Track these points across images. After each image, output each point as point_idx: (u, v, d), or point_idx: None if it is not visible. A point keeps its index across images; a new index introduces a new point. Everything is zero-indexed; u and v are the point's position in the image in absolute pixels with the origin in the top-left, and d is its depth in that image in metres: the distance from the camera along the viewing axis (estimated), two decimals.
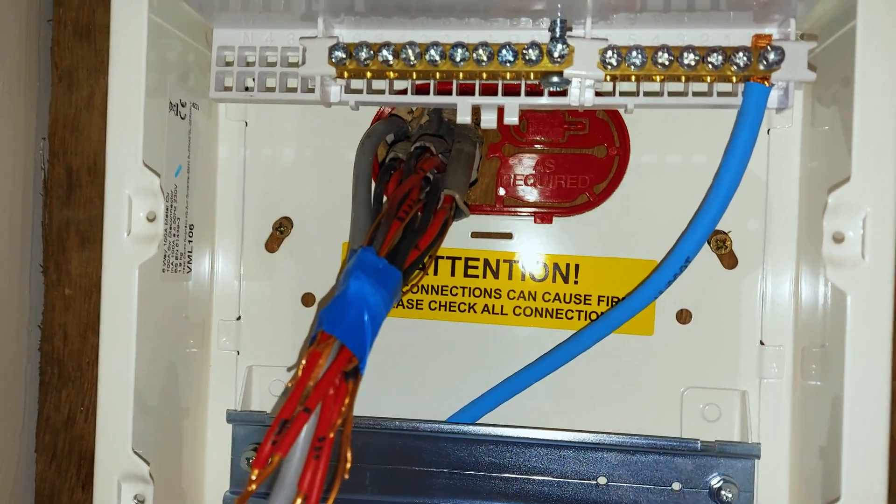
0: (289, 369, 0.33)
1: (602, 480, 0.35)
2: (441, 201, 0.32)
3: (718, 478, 0.34)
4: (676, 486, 0.34)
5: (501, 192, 0.37)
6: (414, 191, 0.32)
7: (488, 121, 0.33)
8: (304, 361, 0.25)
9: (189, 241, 0.36)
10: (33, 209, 0.41)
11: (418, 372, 0.38)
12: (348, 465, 0.24)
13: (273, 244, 0.39)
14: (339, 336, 0.26)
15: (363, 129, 0.36)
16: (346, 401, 0.25)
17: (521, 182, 0.37)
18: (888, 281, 0.27)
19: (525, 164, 0.37)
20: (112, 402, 0.30)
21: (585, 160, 0.37)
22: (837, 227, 0.27)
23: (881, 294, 0.27)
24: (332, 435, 0.25)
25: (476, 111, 0.33)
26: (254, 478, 0.24)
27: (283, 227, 0.39)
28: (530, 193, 0.37)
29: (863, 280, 0.27)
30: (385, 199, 0.33)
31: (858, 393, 0.28)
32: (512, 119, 0.32)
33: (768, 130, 0.35)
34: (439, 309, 0.38)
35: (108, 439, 0.30)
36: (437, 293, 0.38)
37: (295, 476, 0.24)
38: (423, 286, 0.38)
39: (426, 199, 0.32)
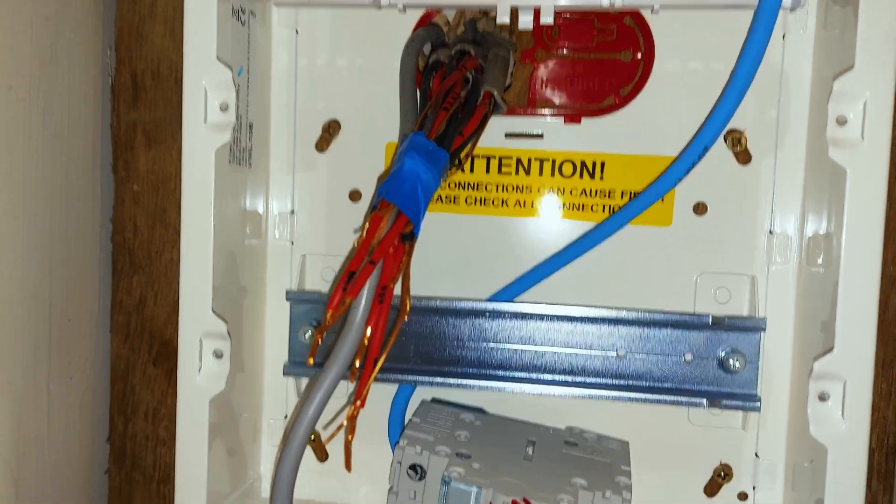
0: (356, 240, 0.36)
1: (620, 352, 0.39)
2: (481, 97, 0.35)
3: (727, 349, 0.38)
4: (688, 356, 0.38)
5: (534, 95, 0.40)
6: (457, 86, 0.35)
7: (525, 22, 0.36)
8: (367, 224, 0.29)
9: (249, 139, 0.40)
10: (102, 113, 0.44)
11: (456, 260, 0.41)
12: (408, 310, 0.28)
13: (323, 144, 0.42)
14: (398, 203, 0.29)
15: (404, 39, 0.39)
16: (404, 259, 0.29)
17: (552, 85, 0.40)
18: (883, 159, 0.30)
19: (556, 69, 0.40)
20: (194, 267, 0.34)
21: (612, 64, 0.40)
22: (841, 111, 0.30)
23: (877, 170, 0.30)
24: (391, 286, 0.29)
25: (514, 13, 0.36)
26: (328, 318, 0.28)
27: (331, 129, 0.42)
28: (560, 96, 0.40)
29: (861, 158, 0.30)
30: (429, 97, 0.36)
31: (853, 263, 0.31)
32: (547, 19, 0.34)
33: (784, 35, 0.38)
34: (475, 204, 0.42)
35: (190, 300, 0.34)
36: (472, 189, 0.42)
37: (363, 317, 0.28)
38: (459, 183, 0.42)
39: (468, 95, 0.35)
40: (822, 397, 0.33)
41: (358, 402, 0.28)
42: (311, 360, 0.28)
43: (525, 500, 0.33)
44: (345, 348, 0.28)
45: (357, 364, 0.28)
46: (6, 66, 0.36)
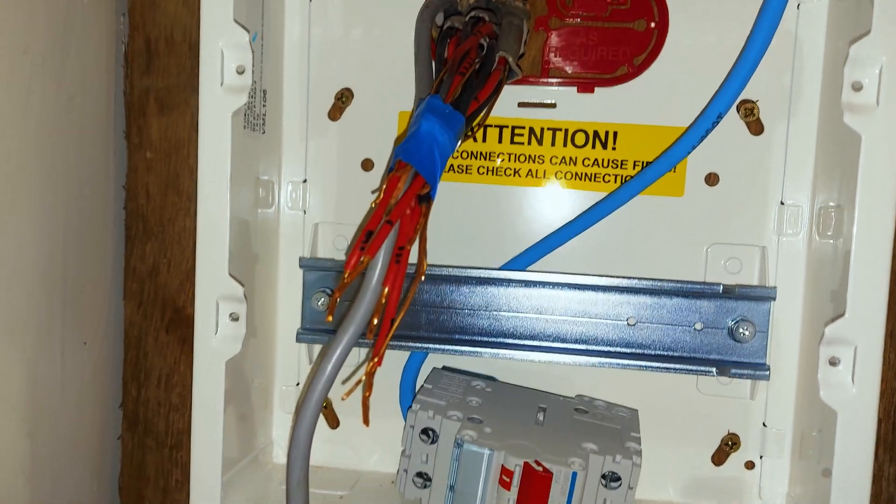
0: (374, 200, 0.36)
1: (631, 321, 0.39)
2: (496, 62, 0.35)
3: (737, 318, 0.38)
4: (698, 325, 0.39)
5: (547, 63, 0.40)
6: (472, 51, 0.35)
7: None
8: (384, 184, 0.29)
9: (263, 105, 0.40)
10: (115, 79, 0.44)
11: (468, 230, 0.42)
12: (424, 270, 0.29)
13: (335, 113, 0.42)
14: (415, 164, 0.30)
15: (417, 7, 0.39)
16: (421, 220, 0.30)
17: (565, 54, 0.40)
18: None
19: (569, 38, 0.40)
20: (210, 228, 0.34)
21: (626, 33, 0.40)
22: (856, 76, 0.31)
23: (892, 136, 0.30)
24: (408, 246, 0.29)
25: None
26: (346, 277, 0.28)
27: (344, 98, 0.42)
28: (573, 65, 0.40)
29: (876, 123, 0.30)
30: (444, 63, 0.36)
31: (866, 227, 0.31)
32: None
33: (798, 5, 0.38)
34: (487, 174, 0.42)
35: (206, 263, 0.34)
36: (484, 159, 0.42)
37: (380, 277, 0.28)
38: (471, 152, 0.42)
39: (482, 60, 0.36)
40: (833, 362, 0.33)
41: (375, 360, 0.28)
42: (329, 318, 0.28)
43: (537, 462, 0.33)
44: (363, 307, 0.28)
45: (374, 322, 0.28)
46: (22, 30, 0.36)
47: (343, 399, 0.29)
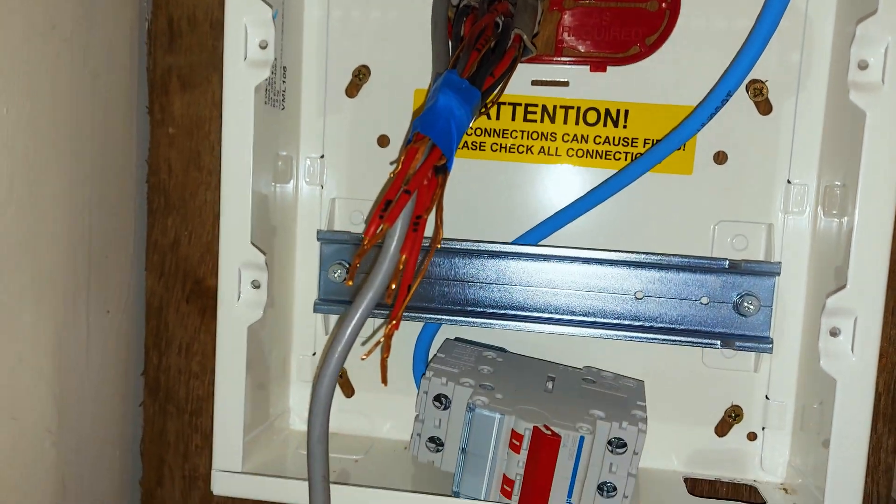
0: (393, 171, 0.37)
1: (639, 295, 0.40)
2: (511, 39, 0.36)
3: (742, 293, 0.39)
4: (704, 300, 0.40)
5: (561, 42, 0.41)
6: (488, 28, 0.36)
7: None
8: (403, 155, 0.30)
9: (283, 81, 0.41)
10: (139, 56, 0.45)
11: (481, 205, 0.43)
12: (441, 238, 0.30)
13: (352, 90, 0.43)
14: (432, 137, 0.31)
15: None
16: (437, 191, 0.31)
17: (579, 34, 0.41)
18: None
19: (583, 18, 0.41)
20: (233, 198, 0.35)
21: (638, 14, 0.41)
22: (863, 55, 0.31)
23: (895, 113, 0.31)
24: (425, 216, 0.30)
25: None
26: (366, 243, 0.29)
27: (361, 74, 0.43)
28: (586, 44, 0.41)
29: (881, 101, 0.31)
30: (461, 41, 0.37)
31: (869, 202, 0.32)
32: None
33: None
34: (500, 150, 0.43)
35: (230, 231, 0.36)
36: (498, 136, 0.43)
37: (398, 244, 0.30)
38: (486, 129, 0.43)
39: (498, 37, 0.36)
40: (834, 333, 0.34)
41: (393, 322, 0.29)
42: (349, 282, 0.29)
43: (546, 426, 0.34)
44: (381, 273, 0.29)
45: (392, 287, 0.29)
46: (51, 6, 0.37)
47: (363, 359, 0.31)
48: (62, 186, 0.39)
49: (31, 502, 0.38)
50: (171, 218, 0.46)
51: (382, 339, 0.30)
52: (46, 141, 0.38)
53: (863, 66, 0.32)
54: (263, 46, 0.35)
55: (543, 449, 0.34)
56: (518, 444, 0.35)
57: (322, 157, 0.44)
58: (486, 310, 0.41)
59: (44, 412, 0.39)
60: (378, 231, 0.29)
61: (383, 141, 0.43)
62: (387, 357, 0.30)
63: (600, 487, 0.36)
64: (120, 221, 0.45)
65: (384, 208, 0.29)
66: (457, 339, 0.44)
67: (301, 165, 0.44)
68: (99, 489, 0.45)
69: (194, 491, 0.47)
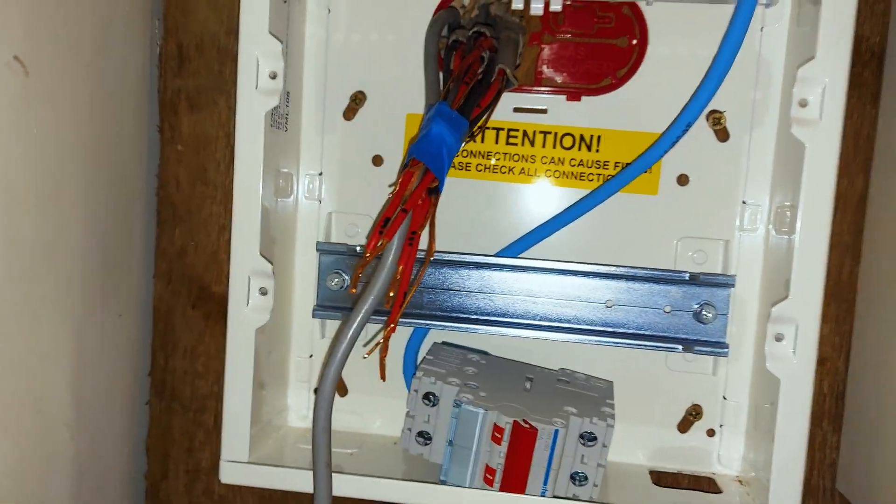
0: (391, 192, 0.40)
1: (608, 303, 0.44)
2: (495, 74, 0.41)
3: (701, 302, 0.43)
4: (668, 308, 0.44)
5: (540, 74, 0.46)
6: (475, 64, 0.40)
7: (536, 8, 0.41)
8: (399, 178, 0.34)
9: (287, 105, 0.45)
10: (150, 79, 0.49)
11: (467, 220, 0.47)
12: (433, 251, 0.34)
13: (349, 113, 0.47)
14: (426, 162, 0.35)
15: (424, 20, 0.44)
16: (430, 210, 0.35)
17: (556, 66, 0.46)
18: (836, 135, 0.36)
19: (560, 51, 0.45)
20: (244, 214, 0.39)
21: (610, 49, 0.45)
22: (803, 94, 0.36)
23: (830, 145, 0.36)
24: (419, 232, 0.34)
25: (527, 1, 0.41)
26: (368, 256, 0.33)
27: (357, 99, 0.47)
28: (563, 76, 0.46)
29: (818, 134, 0.36)
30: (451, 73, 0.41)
31: (809, 223, 0.37)
32: (556, 6, 0.40)
33: (762, 28, 0.43)
34: (484, 171, 0.47)
35: (241, 244, 0.39)
36: (483, 157, 0.47)
37: (395, 257, 0.33)
38: (471, 152, 0.47)
39: (484, 71, 0.41)
40: (778, 338, 0.38)
41: (391, 325, 0.33)
42: (353, 290, 0.33)
43: (525, 420, 0.38)
44: (380, 281, 0.33)
45: (391, 294, 0.33)
46: (74, 32, 0.41)
47: (365, 357, 0.35)
48: (80, 198, 0.43)
49: (53, 490, 0.42)
50: (178, 228, 0.50)
51: (381, 341, 0.33)
52: (67, 156, 0.41)
53: (803, 104, 0.36)
54: (273, 77, 0.39)
55: (522, 441, 0.38)
56: (500, 436, 0.39)
57: (321, 174, 0.48)
58: (470, 316, 0.45)
59: (64, 407, 0.42)
60: (378, 245, 0.33)
61: (377, 160, 0.47)
62: (385, 356, 0.34)
63: (573, 477, 0.40)
64: (131, 231, 0.48)
65: (383, 225, 0.33)
66: (444, 343, 0.47)
67: (301, 182, 0.47)
68: (110, 481, 0.48)
69: (197, 483, 0.50)
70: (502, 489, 0.39)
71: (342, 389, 0.48)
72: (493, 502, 0.39)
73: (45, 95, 0.39)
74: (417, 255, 0.35)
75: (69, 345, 0.42)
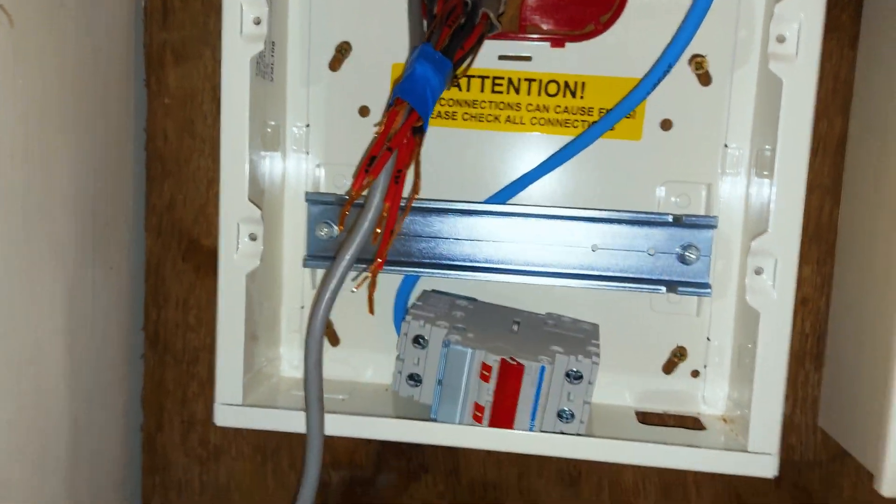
0: (376, 131, 0.40)
1: (593, 247, 0.45)
2: (479, 17, 0.41)
3: (684, 244, 0.44)
4: (651, 251, 0.45)
5: (524, 20, 0.46)
6: (458, 7, 0.40)
7: None
8: (384, 118, 0.35)
9: (272, 55, 0.45)
10: (136, 33, 0.49)
11: (454, 169, 0.47)
12: (419, 187, 0.34)
13: (335, 64, 0.47)
14: (410, 101, 0.35)
15: None
16: (415, 149, 0.35)
17: (540, 13, 0.46)
18: (813, 70, 0.36)
19: None
20: (232, 158, 0.39)
21: None
22: (780, 30, 0.36)
23: (807, 81, 0.36)
24: (405, 170, 0.35)
25: None
26: (354, 193, 0.34)
27: (343, 50, 0.47)
28: (547, 22, 0.46)
29: (795, 71, 0.36)
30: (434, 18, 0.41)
31: (787, 159, 0.38)
32: None
33: None
34: (470, 120, 0.47)
35: (229, 191, 0.40)
36: (468, 106, 0.47)
37: (381, 195, 0.34)
38: (457, 100, 0.47)
39: (467, 15, 0.41)
40: (758, 272, 0.39)
41: (379, 260, 0.34)
42: (340, 228, 0.34)
43: (512, 358, 0.39)
44: (368, 218, 0.34)
45: (378, 231, 0.34)
46: None
47: (354, 291, 0.35)
48: (70, 154, 0.43)
49: (51, 442, 0.42)
50: (167, 182, 0.50)
51: (370, 276, 0.34)
52: (55, 111, 0.41)
53: (780, 39, 0.37)
54: (257, 22, 0.39)
55: (509, 378, 0.39)
56: (487, 374, 0.40)
57: (307, 126, 0.48)
58: (458, 263, 0.46)
59: (59, 361, 0.43)
60: (364, 183, 0.33)
61: (364, 111, 0.47)
62: (373, 291, 0.34)
63: (559, 414, 0.41)
64: (120, 185, 0.49)
65: (369, 163, 0.34)
66: (433, 291, 0.48)
67: (288, 134, 0.48)
68: (106, 434, 0.49)
69: (192, 434, 0.51)
70: (491, 425, 0.40)
71: (333, 339, 0.49)
72: (483, 437, 0.40)
73: (30, 47, 0.39)
74: (403, 195, 0.35)
75: (63, 300, 0.43)
